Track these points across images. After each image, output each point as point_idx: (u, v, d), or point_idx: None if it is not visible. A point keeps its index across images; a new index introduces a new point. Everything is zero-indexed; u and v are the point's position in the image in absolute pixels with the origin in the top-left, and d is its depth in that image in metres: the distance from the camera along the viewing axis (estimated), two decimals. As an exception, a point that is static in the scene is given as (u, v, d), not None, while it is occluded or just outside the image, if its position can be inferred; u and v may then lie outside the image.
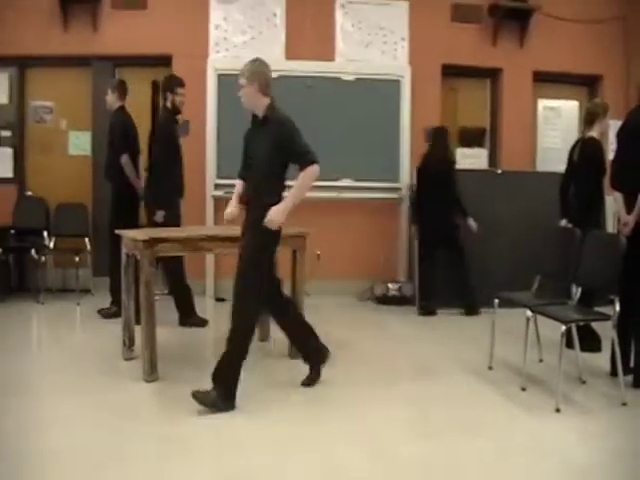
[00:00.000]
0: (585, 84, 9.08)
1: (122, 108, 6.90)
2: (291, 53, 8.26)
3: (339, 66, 8.32)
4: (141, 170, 7.01)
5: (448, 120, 8.68)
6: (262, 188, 4.41)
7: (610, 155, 6.30)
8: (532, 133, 8.92)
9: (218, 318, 6.80)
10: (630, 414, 4.41)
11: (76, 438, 3.85)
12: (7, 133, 8.27)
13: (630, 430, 4.18)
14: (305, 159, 4.34)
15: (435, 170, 7.42)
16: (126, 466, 3.51)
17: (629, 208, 5.01)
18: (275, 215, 4.29)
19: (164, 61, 8.15)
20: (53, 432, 3.96)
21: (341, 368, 5.28)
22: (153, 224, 6.29)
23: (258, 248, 4.38)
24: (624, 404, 4.51)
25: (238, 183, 4.70)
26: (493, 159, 8.90)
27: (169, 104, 6.55)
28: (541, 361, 5.47)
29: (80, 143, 8.38)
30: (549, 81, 8.92)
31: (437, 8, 8.49)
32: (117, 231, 5.45)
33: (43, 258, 7.72)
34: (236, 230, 4.69)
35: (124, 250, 5.33)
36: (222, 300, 7.61)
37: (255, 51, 8.14)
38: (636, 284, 4.84)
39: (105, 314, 6.74)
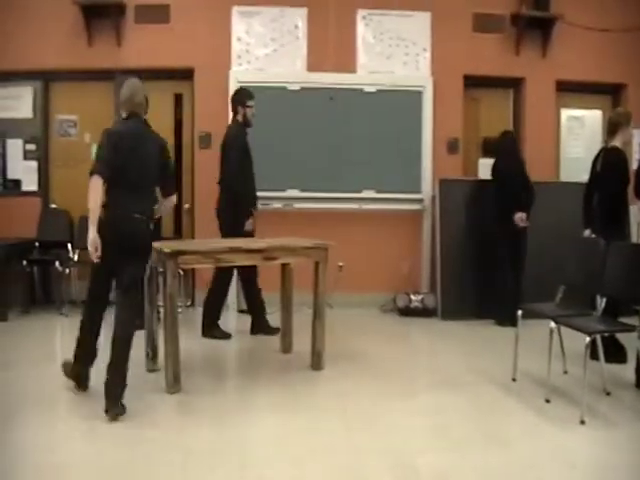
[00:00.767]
0: (609, 93, 9.01)
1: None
2: (313, 65, 8.27)
3: (361, 78, 8.32)
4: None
5: (470, 131, 8.67)
6: None
7: (634, 165, 6.24)
8: (555, 143, 8.86)
9: (242, 330, 6.83)
10: (656, 426, 4.36)
11: (98, 450, 3.87)
12: (32, 147, 8.35)
13: (656, 443, 4.13)
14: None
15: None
16: (148, 477, 3.52)
17: (654, 218, 4.97)
18: None
19: (187, 74, 8.22)
20: (75, 444, 3.98)
21: (363, 379, 5.28)
22: (226, 236, 6.41)
23: None
24: (650, 416, 4.46)
25: None
26: (516, 169, 8.83)
27: (240, 117, 6.62)
28: (565, 372, 5.42)
29: (104, 156, 8.42)
30: (572, 90, 8.85)
31: (459, 18, 8.47)
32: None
33: (67, 270, 7.77)
34: (258, 242, 4.70)
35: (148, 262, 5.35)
36: (245, 312, 7.61)
37: (277, 63, 8.22)
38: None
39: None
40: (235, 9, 8.24)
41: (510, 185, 7.29)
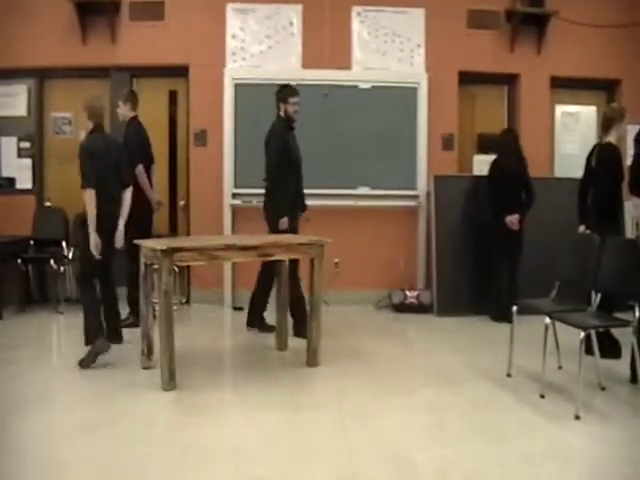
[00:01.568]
0: (603, 89, 9.02)
1: (135, 118, 6.94)
2: (308, 62, 8.26)
3: (356, 74, 8.32)
4: (154, 180, 7.06)
5: (465, 127, 8.67)
6: None
7: (628, 160, 6.25)
8: (550, 139, 8.86)
9: (237, 326, 6.83)
10: (651, 421, 4.37)
11: (94, 447, 3.87)
12: (26, 144, 8.35)
13: (651, 437, 4.15)
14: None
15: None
16: (145, 475, 3.52)
17: (648, 213, 4.98)
18: None
19: (181, 71, 8.21)
20: (71, 441, 3.97)
21: (359, 376, 5.29)
22: (272, 232, 6.38)
23: None
24: (645, 411, 4.48)
25: None
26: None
27: (282, 113, 6.58)
28: (560, 368, 5.42)
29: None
30: (567, 87, 8.86)
31: (453, 14, 8.47)
32: (136, 241, 5.47)
33: (62, 268, 7.77)
34: (253, 239, 4.70)
35: (142, 260, 5.35)
36: (240, 309, 7.61)
37: (272, 60, 8.20)
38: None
39: (123, 325, 6.75)
40: (230, 6, 8.23)
41: (510, 184, 7.27)
